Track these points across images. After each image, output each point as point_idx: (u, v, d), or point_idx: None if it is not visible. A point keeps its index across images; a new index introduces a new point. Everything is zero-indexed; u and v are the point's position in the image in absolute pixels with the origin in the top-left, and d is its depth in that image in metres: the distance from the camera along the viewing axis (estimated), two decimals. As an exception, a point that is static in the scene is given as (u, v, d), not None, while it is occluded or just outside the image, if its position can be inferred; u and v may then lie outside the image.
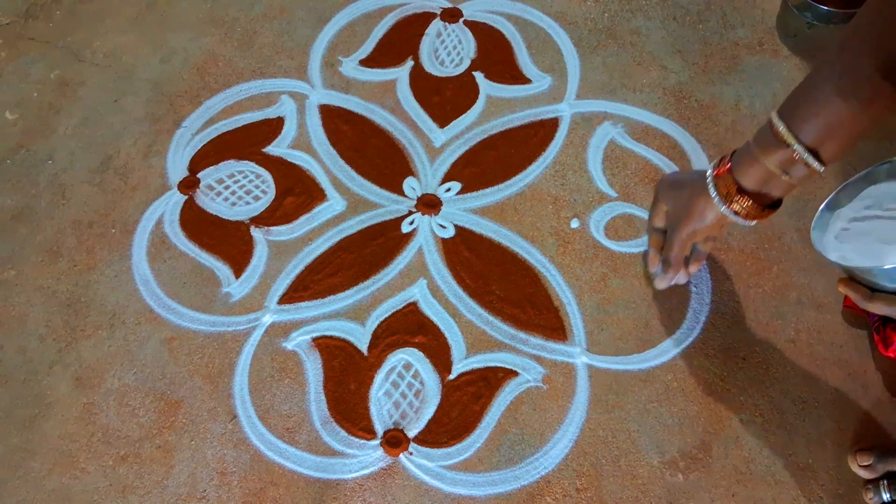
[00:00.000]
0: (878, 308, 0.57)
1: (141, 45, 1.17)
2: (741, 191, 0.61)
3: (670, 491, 0.79)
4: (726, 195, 0.62)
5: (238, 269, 0.95)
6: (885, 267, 0.53)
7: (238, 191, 1.02)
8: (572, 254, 0.94)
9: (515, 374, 0.86)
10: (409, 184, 1.01)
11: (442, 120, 1.06)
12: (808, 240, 0.92)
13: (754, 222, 0.64)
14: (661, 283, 0.78)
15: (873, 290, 0.58)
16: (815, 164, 0.56)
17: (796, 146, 0.55)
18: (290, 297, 0.93)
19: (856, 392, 0.83)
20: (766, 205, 0.63)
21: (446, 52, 1.13)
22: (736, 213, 0.63)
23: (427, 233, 0.97)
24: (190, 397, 0.87)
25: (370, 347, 0.89)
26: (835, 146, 0.55)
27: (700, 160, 1.00)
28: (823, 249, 0.61)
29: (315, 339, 0.90)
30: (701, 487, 0.79)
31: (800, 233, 0.93)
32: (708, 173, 0.64)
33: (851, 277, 0.59)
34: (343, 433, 0.84)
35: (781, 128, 0.55)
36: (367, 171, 1.02)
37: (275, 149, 1.05)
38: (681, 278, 0.77)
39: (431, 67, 1.12)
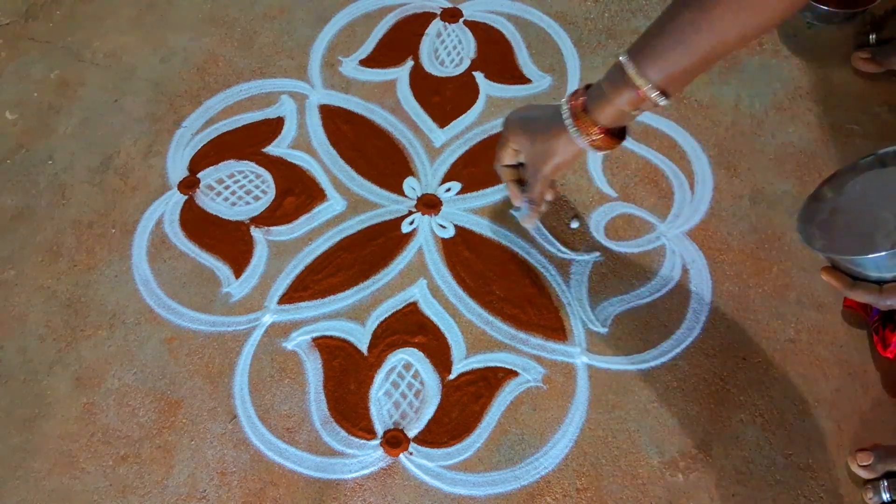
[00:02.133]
0: (859, 296, 0.59)
1: (141, 45, 1.17)
2: (596, 126, 0.64)
3: (670, 491, 0.79)
4: (586, 132, 0.65)
5: (238, 269, 0.95)
6: (869, 256, 0.54)
7: (238, 191, 1.02)
8: (573, 254, 0.94)
9: (515, 374, 0.86)
10: (409, 184, 1.01)
11: (442, 120, 1.06)
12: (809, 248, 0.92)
13: (602, 151, 0.68)
14: (528, 222, 0.78)
15: (855, 279, 0.59)
16: (663, 102, 0.59)
17: (646, 88, 0.58)
18: (290, 297, 0.93)
19: (856, 392, 0.83)
20: (615, 135, 0.66)
21: (446, 52, 1.13)
22: (594, 146, 0.66)
23: (427, 233, 0.97)
24: (190, 397, 0.87)
25: (370, 347, 0.89)
26: (681, 84, 0.59)
27: (700, 160, 1.00)
28: (808, 239, 0.62)
29: (315, 339, 0.90)
30: (701, 487, 0.79)
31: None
32: (564, 112, 0.66)
33: (835, 266, 0.60)
34: (343, 433, 0.84)
35: (631, 70, 0.59)
36: (367, 171, 1.02)
37: (275, 149, 1.05)
38: (542, 208, 0.79)
39: (431, 67, 1.12)
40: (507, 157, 0.75)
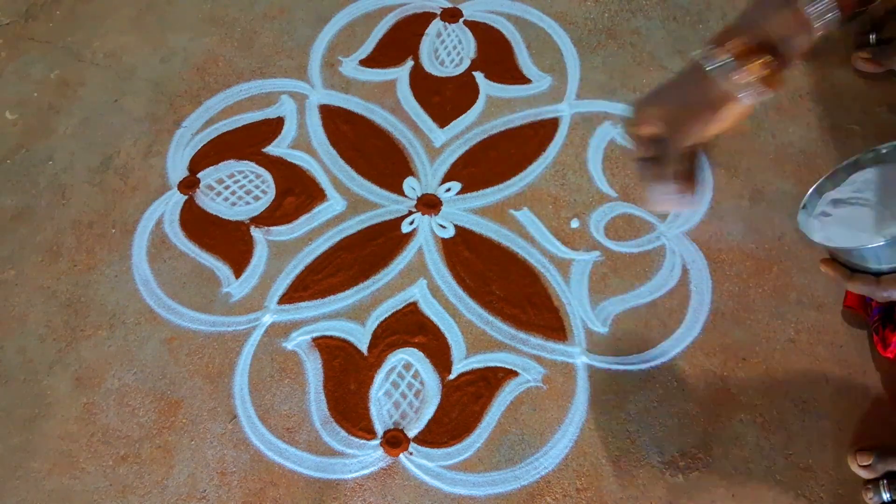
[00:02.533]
0: (857, 287, 0.59)
1: (141, 45, 1.17)
2: (759, 54, 0.52)
3: (670, 491, 0.79)
4: (740, 56, 0.53)
5: (238, 269, 0.95)
6: (867, 247, 0.55)
7: (238, 191, 1.02)
8: (573, 253, 0.94)
9: (515, 374, 0.86)
10: (409, 184, 1.01)
11: (442, 120, 1.06)
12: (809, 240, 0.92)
13: (771, 94, 0.55)
14: (660, 205, 0.63)
15: (853, 271, 0.59)
16: (834, 14, 0.50)
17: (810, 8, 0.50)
18: (290, 297, 0.93)
19: (856, 392, 0.83)
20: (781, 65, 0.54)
21: (446, 52, 1.13)
22: (758, 82, 0.53)
23: (427, 233, 0.97)
24: (190, 397, 0.87)
25: (370, 347, 0.89)
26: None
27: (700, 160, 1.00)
28: (808, 231, 0.63)
29: (315, 339, 0.90)
30: (701, 487, 0.79)
31: (800, 233, 0.92)
32: (707, 56, 0.54)
33: (833, 257, 0.61)
34: (343, 433, 0.84)
35: None
36: (367, 171, 1.02)
37: (275, 149, 1.05)
38: (695, 198, 0.63)
39: (431, 67, 1.12)
40: (642, 144, 0.60)
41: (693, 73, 0.55)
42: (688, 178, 0.60)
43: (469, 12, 1.17)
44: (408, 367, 0.88)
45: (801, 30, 0.52)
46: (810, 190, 0.65)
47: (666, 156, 0.59)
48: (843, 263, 0.60)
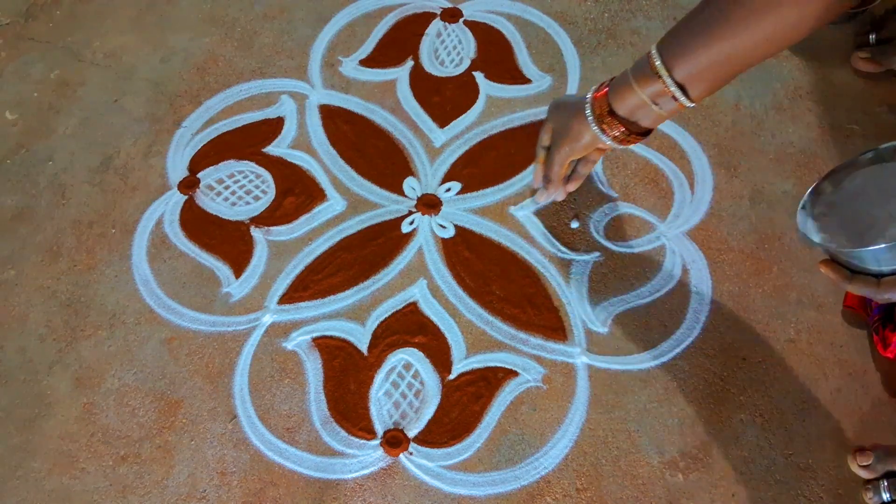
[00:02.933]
0: (857, 289, 0.60)
1: (141, 45, 1.17)
2: (613, 115, 0.64)
3: (670, 491, 0.79)
4: (599, 117, 0.65)
5: (238, 269, 0.95)
6: (867, 248, 0.55)
7: (238, 191, 1.02)
8: (573, 253, 0.94)
9: (515, 374, 0.86)
10: (409, 184, 1.01)
11: (442, 120, 1.06)
12: (808, 240, 0.92)
13: (622, 147, 0.68)
14: (541, 198, 0.79)
15: (853, 272, 0.59)
16: (684, 100, 0.58)
17: (668, 80, 0.58)
18: (290, 297, 0.93)
19: (856, 392, 0.83)
20: (636, 132, 0.66)
21: (446, 52, 1.13)
22: (606, 134, 0.66)
23: (427, 233, 0.97)
24: (190, 397, 0.87)
25: (370, 347, 0.89)
26: (704, 86, 0.58)
27: (700, 160, 1.00)
28: (807, 232, 0.63)
29: (315, 339, 0.90)
30: (701, 487, 0.79)
31: (799, 233, 0.93)
32: (587, 96, 0.66)
33: (833, 259, 0.61)
34: (343, 433, 0.84)
35: (657, 61, 0.58)
36: (367, 171, 1.02)
37: (275, 149, 1.05)
38: (559, 195, 0.79)
39: (431, 67, 1.12)
40: (546, 137, 0.75)
41: (578, 102, 0.67)
42: (557, 182, 0.75)
43: (469, 12, 1.17)
44: (408, 367, 0.88)
45: (660, 102, 0.60)
46: (809, 190, 0.65)
47: (549, 159, 0.75)
48: (842, 265, 0.60)
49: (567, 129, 0.70)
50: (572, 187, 0.77)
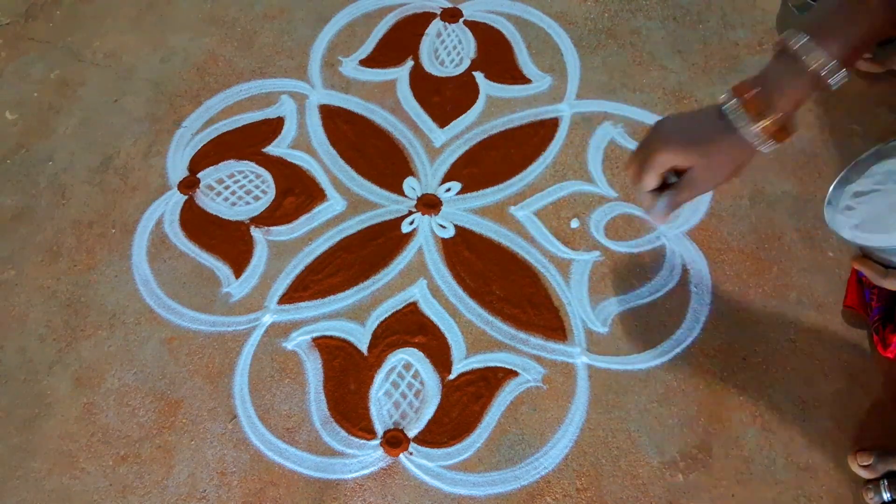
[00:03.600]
0: (893, 285, 0.58)
1: (141, 45, 1.17)
2: (773, 118, 0.58)
3: (670, 491, 0.79)
4: (759, 117, 0.58)
5: (238, 269, 0.95)
6: None
7: (238, 191, 1.02)
8: (573, 253, 0.94)
9: (515, 374, 0.86)
10: (409, 184, 1.01)
11: (442, 120, 1.06)
12: (808, 240, 0.93)
13: (775, 147, 0.60)
14: (663, 221, 0.68)
15: (887, 268, 0.58)
16: (843, 78, 0.56)
17: (830, 65, 0.55)
18: (290, 297, 0.93)
19: (856, 392, 0.83)
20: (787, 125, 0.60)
21: (446, 52, 1.13)
22: (772, 134, 0.58)
23: (427, 233, 0.97)
24: (190, 397, 0.87)
25: (370, 347, 0.89)
26: (857, 58, 0.56)
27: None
28: (836, 227, 0.61)
29: (315, 339, 0.90)
30: (701, 487, 0.79)
31: (800, 233, 0.93)
32: (732, 109, 0.59)
33: (865, 255, 0.60)
34: (343, 433, 0.84)
35: (813, 48, 0.55)
36: (367, 171, 1.02)
37: (275, 149, 1.05)
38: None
39: (431, 67, 1.12)
40: (655, 179, 0.64)
41: (718, 118, 0.59)
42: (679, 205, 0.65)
43: (469, 12, 1.17)
44: (408, 367, 0.88)
45: (813, 90, 0.56)
46: (833, 184, 0.63)
47: (691, 188, 0.62)
48: (876, 261, 0.59)
49: (722, 156, 0.61)
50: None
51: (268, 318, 0.92)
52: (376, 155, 1.04)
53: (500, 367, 0.87)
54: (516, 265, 0.94)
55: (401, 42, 1.14)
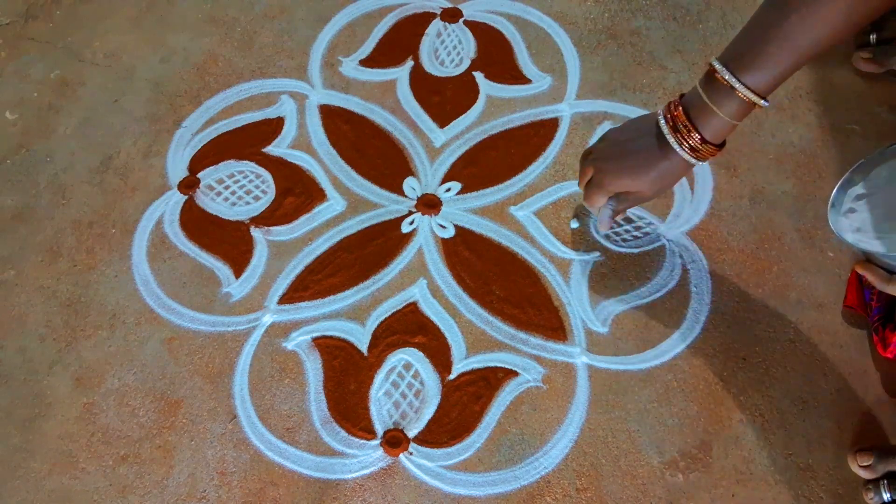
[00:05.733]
0: None
1: (141, 45, 1.17)
2: (705, 142, 0.64)
3: (670, 491, 0.79)
4: (694, 151, 0.65)
5: (238, 269, 0.95)
6: None
7: (238, 191, 1.02)
8: (573, 253, 0.94)
9: (515, 374, 0.86)
10: (409, 184, 1.01)
11: (442, 120, 1.06)
12: (808, 240, 0.93)
13: (700, 163, 0.68)
14: (606, 228, 0.82)
15: (891, 273, 0.59)
16: (765, 105, 0.60)
17: (752, 97, 0.59)
18: (290, 297, 0.93)
19: (856, 392, 0.83)
20: (714, 144, 0.66)
21: (446, 52, 1.13)
22: (699, 158, 0.66)
23: (427, 233, 0.97)
24: (190, 397, 0.87)
25: (370, 347, 0.89)
26: (778, 84, 0.59)
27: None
28: (840, 230, 0.62)
29: (315, 339, 0.90)
30: (701, 487, 0.79)
31: (799, 233, 0.93)
32: (670, 138, 0.65)
33: (868, 259, 0.60)
34: (343, 433, 0.84)
35: (735, 82, 0.59)
36: (367, 171, 1.02)
37: (275, 149, 1.05)
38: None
39: (431, 67, 1.12)
40: (601, 201, 0.74)
41: (662, 151, 0.67)
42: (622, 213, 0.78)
43: (469, 12, 1.17)
44: (408, 367, 0.88)
45: (743, 113, 0.61)
46: (836, 187, 0.64)
47: (628, 203, 0.74)
48: (879, 265, 0.59)
49: (660, 173, 0.69)
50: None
51: (268, 318, 0.92)
52: (376, 155, 1.04)
53: (500, 367, 0.87)
54: (516, 265, 0.94)
55: (401, 42, 1.14)
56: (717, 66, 0.60)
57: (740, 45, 0.60)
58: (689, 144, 0.64)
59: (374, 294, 0.93)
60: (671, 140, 0.65)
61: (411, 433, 0.84)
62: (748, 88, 0.58)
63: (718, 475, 0.80)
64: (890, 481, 0.76)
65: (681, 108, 0.64)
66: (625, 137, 0.71)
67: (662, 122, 0.65)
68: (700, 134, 0.63)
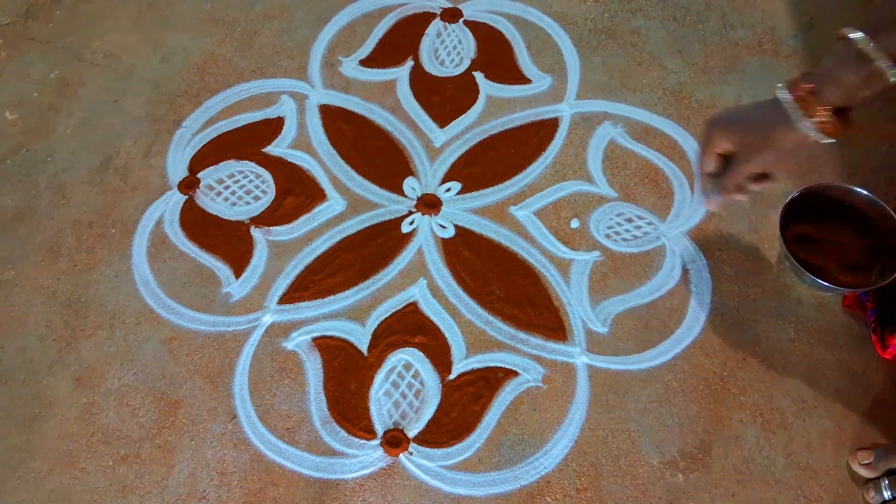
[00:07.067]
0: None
1: (141, 45, 1.17)
2: (824, 107, 0.62)
3: (670, 491, 0.79)
4: (812, 113, 0.62)
5: (238, 269, 0.95)
6: None
7: (238, 191, 1.02)
8: (573, 253, 0.94)
9: (515, 374, 0.86)
10: (409, 184, 1.01)
11: (442, 120, 1.06)
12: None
13: (832, 140, 0.64)
14: (715, 206, 0.75)
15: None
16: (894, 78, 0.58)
17: (883, 62, 0.57)
18: (290, 297, 0.93)
19: (856, 392, 0.83)
20: (842, 120, 0.64)
21: (446, 52, 1.13)
22: (823, 129, 0.63)
23: (427, 233, 0.97)
24: (190, 397, 0.87)
25: (370, 347, 0.89)
26: None
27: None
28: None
29: (315, 339, 0.90)
30: (701, 487, 0.79)
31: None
32: (783, 98, 0.64)
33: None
34: (343, 433, 0.84)
35: (868, 44, 0.58)
36: (367, 171, 1.02)
37: (275, 149, 1.05)
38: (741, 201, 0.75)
39: (431, 67, 1.12)
40: (713, 162, 0.70)
41: (772, 107, 0.65)
42: (742, 191, 0.70)
43: (469, 12, 1.17)
44: (408, 367, 0.88)
45: (871, 84, 0.59)
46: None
47: (735, 171, 0.69)
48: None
49: (766, 139, 0.67)
50: (750, 194, 0.73)
51: (268, 318, 0.92)
52: (376, 155, 1.04)
53: (500, 367, 0.87)
54: (516, 265, 0.94)
55: (401, 42, 1.14)
56: (856, 34, 0.59)
57: (880, 15, 0.59)
58: (813, 114, 0.62)
59: (374, 294, 0.93)
60: (790, 107, 0.63)
61: (411, 433, 0.84)
62: (882, 53, 0.57)
63: (718, 475, 0.80)
64: (891, 479, 0.76)
65: (807, 85, 0.62)
66: (742, 107, 0.70)
67: (785, 94, 0.63)
68: (825, 106, 0.61)
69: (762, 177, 0.71)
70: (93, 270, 0.96)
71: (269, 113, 1.09)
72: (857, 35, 0.59)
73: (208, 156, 1.05)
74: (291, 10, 1.19)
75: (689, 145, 1.01)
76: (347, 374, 0.87)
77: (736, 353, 0.86)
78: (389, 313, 0.91)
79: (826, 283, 0.81)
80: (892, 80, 0.58)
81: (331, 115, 1.08)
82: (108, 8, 1.22)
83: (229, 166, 1.04)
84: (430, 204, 0.99)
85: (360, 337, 0.90)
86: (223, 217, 1.00)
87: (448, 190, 1.00)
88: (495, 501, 0.80)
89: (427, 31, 1.15)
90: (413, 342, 0.89)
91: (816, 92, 0.62)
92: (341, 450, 0.83)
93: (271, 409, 0.86)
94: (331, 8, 1.18)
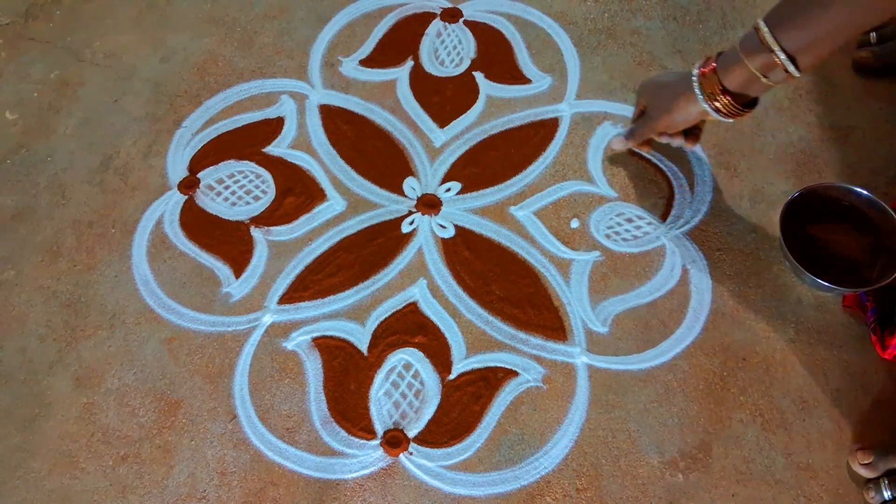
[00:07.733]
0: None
1: (141, 45, 1.17)
2: (724, 90, 0.68)
3: (670, 491, 0.79)
4: (710, 94, 0.69)
5: (238, 269, 0.95)
6: None
7: (238, 191, 1.02)
8: (573, 253, 0.94)
9: (515, 374, 0.86)
10: (409, 184, 1.01)
11: (442, 120, 1.06)
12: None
13: (731, 120, 0.72)
14: (617, 145, 0.91)
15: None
16: (793, 70, 0.62)
17: (778, 52, 0.61)
18: (290, 297, 0.93)
19: (856, 392, 0.83)
20: (744, 104, 0.70)
21: (446, 52, 1.13)
22: (717, 110, 0.70)
23: (427, 233, 0.97)
24: (190, 397, 0.87)
25: (370, 347, 0.89)
26: (812, 57, 0.61)
27: (699, 160, 1.00)
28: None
29: (315, 339, 0.90)
30: (701, 487, 0.79)
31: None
32: (693, 73, 0.71)
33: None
34: (343, 433, 0.84)
35: (767, 35, 0.61)
36: (367, 171, 1.02)
37: (275, 149, 1.05)
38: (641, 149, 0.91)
39: (431, 67, 1.12)
40: (636, 114, 0.86)
41: (683, 79, 0.73)
42: (639, 140, 0.90)
43: (469, 12, 1.17)
44: (408, 367, 0.88)
45: (768, 73, 0.64)
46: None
47: (643, 125, 0.84)
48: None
49: (671, 105, 0.75)
50: (690, 145, 0.84)
51: (268, 318, 0.92)
52: (376, 155, 1.04)
53: (500, 367, 0.87)
54: (516, 265, 0.94)
55: (401, 42, 1.14)
56: (760, 21, 0.62)
57: (783, 3, 0.62)
58: (710, 94, 0.68)
59: (374, 294, 0.93)
60: (695, 85, 0.69)
61: (411, 433, 0.84)
62: (777, 43, 0.60)
63: (718, 475, 0.80)
64: (891, 480, 0.76)
65: (713, 64, 0.68)
66: (665, 76, 0.80)
67: (695, 70, 0.70)
68: (722, 88, 0.67)
69: (689, 134, 0.82)
70: (93, 270, 0.96)
71: (269, 113, 1.09)
72: (761, 25, 0.62)
73: (208, 156, 1.05)
74: (291, 10, 1.19)
75: (689, 145, 1.01)
76: (347, 374, 0.88)
77: (736, 353, 0.86)
78: (389, 313, 0.91)
79: (826, 283, 0.81)
80: (791, 71, 0.62)
81: (331, 115, 1.08)
82: (108, 8, 1.22)
83: (229, 166, 1.04)
84: (430, 204, 0.99)
85: (360, 337, 0.90)
86: (223, 217, 1.00)
87: (448, 190, 1.00)
88: (495, 501, 0.80)
89: (427, 31, 1.15)
90: (413, 342, 0.89)
91: (718, 73, 0.67)
92: (341, 450, 0.83)
93: (271, 409, 0.86)
94: (331, 8, 1.18)
